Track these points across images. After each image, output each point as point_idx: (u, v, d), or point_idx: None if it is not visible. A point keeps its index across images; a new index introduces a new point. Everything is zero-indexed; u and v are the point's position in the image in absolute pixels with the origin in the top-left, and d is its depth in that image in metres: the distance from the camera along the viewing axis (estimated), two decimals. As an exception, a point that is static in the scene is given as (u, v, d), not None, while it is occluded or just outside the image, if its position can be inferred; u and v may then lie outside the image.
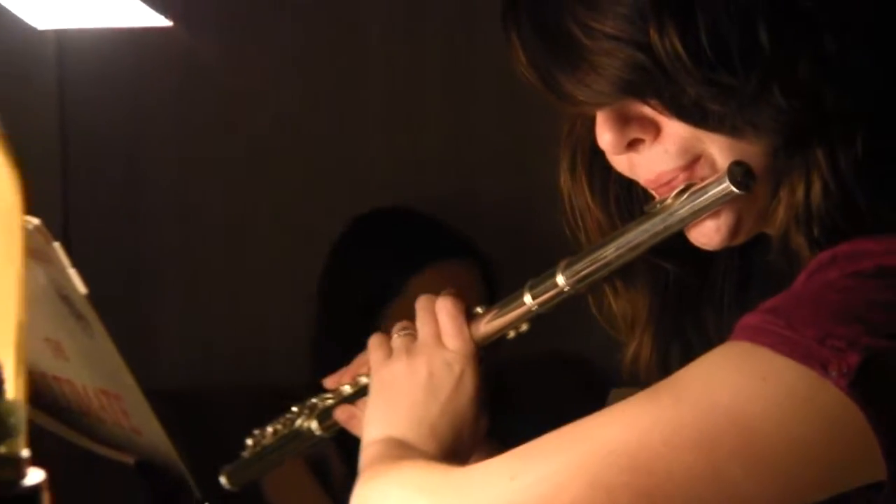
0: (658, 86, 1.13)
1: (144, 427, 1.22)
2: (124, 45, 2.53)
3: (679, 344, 1.30)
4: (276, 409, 1.52)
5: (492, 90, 2.97)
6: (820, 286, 1.10)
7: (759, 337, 1.07)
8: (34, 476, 0.79)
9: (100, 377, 1.24)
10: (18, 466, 0.79)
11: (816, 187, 1.13)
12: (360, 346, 1.46)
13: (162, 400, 1.29)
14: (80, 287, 1.13)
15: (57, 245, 1.13)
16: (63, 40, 2.57)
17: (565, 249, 1.32)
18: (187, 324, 2.87)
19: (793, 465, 1.06)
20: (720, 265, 1.30)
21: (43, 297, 1.18)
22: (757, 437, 1.05)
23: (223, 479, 1.50)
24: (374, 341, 1.37)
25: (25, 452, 0.80)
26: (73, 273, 1.13)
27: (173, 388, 2.55)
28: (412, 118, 2.99)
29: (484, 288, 2.53)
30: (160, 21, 1.50)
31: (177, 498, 1.21)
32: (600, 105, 1.17)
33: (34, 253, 1.13)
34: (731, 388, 1.07)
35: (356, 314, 2.48)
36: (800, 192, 1.13)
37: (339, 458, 2.43)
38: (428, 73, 3.00)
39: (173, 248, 2.87)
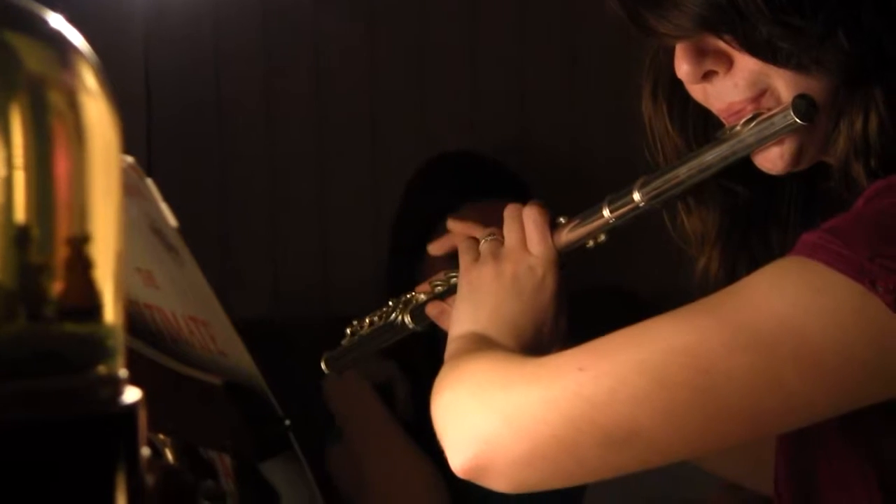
0: (733, 23, 1.14)
1: (230, 350, 1.21)
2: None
3: (746, 259, 1.31)
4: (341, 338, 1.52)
5: (550, 40, 2.95)
6: (875, 211, 1.11)
7: (816, 253, 1.08)
8: (131, 394, 0.77)
9: (189, 304, 1.23)
10: (117, 385, 0.77)
11: (874, 122, 1.14)
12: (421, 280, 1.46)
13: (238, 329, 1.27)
14: (172, 220, 1.12)
15: (150, 181, 1.11)
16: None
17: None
18: (260, 257, 2.87)
19: (842, 371, 1.06)
20: (785, 189, 1.31)
21: (135, 230, 1.17)
22: (810, 344, 1.05)
23: (323, 365, 1.50)
24: (464, 245, 1.37)
25: (123, 372, 0.78)
26: (164, 207, 1.11)
27: (246, 318, 2.54)
28: (479, 70, 2.97)
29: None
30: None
31: (260, 415, 1.20)
32: (679, 38, 1.19)
33: (127, 188, 1.11)
34: (787, 298, 1.07)
35: (413, 247, 2.46)
36: (858, 126, 1.15)
37: (403, 379, 2.42)
38: (487, 26, 2.97)
39: (251, 190, 2.86)
